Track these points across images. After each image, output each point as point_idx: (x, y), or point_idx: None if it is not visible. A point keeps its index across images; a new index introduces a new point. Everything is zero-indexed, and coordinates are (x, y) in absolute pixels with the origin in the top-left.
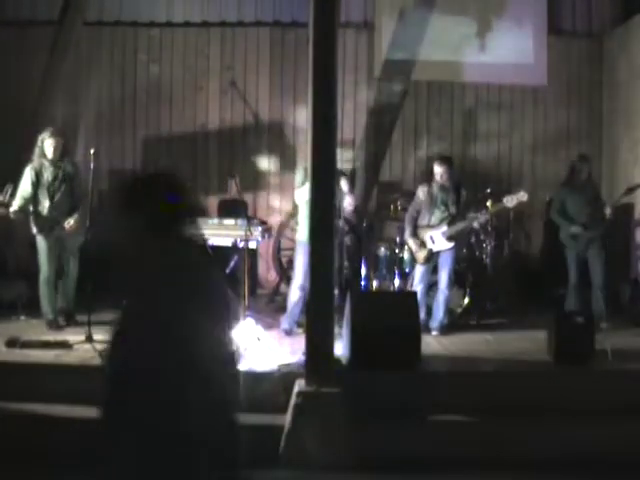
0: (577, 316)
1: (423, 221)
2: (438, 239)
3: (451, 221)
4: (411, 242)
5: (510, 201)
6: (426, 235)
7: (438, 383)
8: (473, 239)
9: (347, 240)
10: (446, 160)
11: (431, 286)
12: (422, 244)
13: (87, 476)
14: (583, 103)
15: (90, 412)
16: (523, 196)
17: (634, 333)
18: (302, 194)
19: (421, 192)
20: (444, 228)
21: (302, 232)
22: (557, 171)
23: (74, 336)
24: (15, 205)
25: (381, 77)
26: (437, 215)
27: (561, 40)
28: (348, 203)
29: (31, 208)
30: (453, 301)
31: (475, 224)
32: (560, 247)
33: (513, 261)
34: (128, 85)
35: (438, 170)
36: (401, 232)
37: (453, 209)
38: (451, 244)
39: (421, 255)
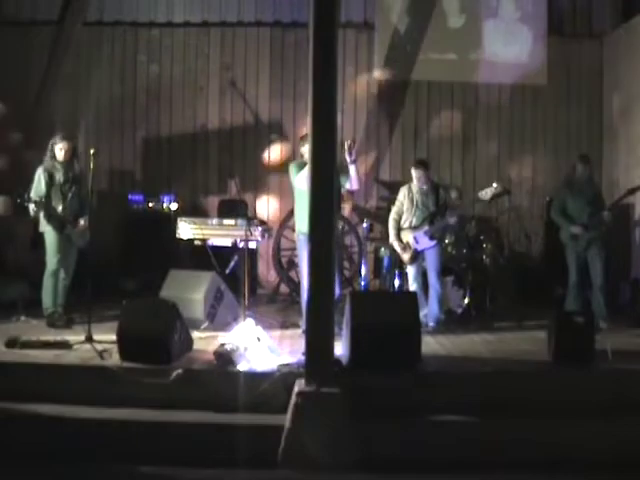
0: (577, 316)
1: (405, 223)
2: (421, 239)
3: (432, 220)
4: (396, 244)
5: (484, 195)
6: (409, 236)
7: (438, 383)
8: (472, 240)
9: (347, 240)
10: (422, 164)
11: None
12: (406, 245)
13: (87, 475)
14: (583, 103)
15: (90, 412)
16: (496, 188)
17: (634, 333)
18: (305, 177)
19: (401, 195)
20: (426, 227)
21: (305, 223)
22: (557, 171)
23: (74, 336)
24: (37, 205)
25: (381, 77)
26: (418, 216)
27: (561, 40)
28: (355, 181)
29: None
30: (453, 301)
31: (453, 220)
32: (560, 247)
33: (513, 261)
34: (128, 85)
35: (415, 174)
36: None
37: (433, 209)
38: (434, 242)
39: (406, 256)
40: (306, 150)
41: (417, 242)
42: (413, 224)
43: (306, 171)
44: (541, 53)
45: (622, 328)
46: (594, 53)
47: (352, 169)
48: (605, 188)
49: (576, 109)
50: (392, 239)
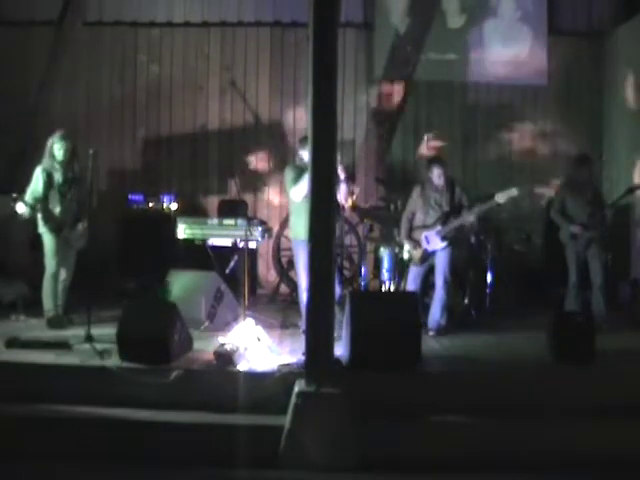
0: (577, 316)
1: (418, 222)
2: (432, 239)
3: (445, 220)
4: (406, 243)
5: (501, 197)
6: (421, 235)
7: (438, 383)
8: (473, 239)
9: (347, 240)
10: (441, 161)
11: (431, 286)
12: (417, 244)
13: (86, 475)
14: (583, 103)
15: (90, 412)
16: (513, 192)
17: (634, 333)
18: (301, 190)
19: (415, 194)
20: (438, 228)
21: (302, 230)
22: (557, 171)
23: (74, 336)
24: (27, 205)
25: (381, 77)
26: (432, 215)
27: (561, 40)
28: (343, 196)
29: (38, 207)
30: (453, 301)
31: (467, 222)
32: (560, 247)
33: (513, 261)
34: (128, 85)
35: (436, 171)
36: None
37: (447, 209)
38: (444, 243)
39: (417, 255)
40: (306, 154)
41: (428, 242)
42: (426, 223)
43: (303, 183)
44: (541, 53)
45: (622, 328)
46: (594, 53)
47: (342, 186)
48: (605, 188)
49: (576, 109)
50: (403, 237)
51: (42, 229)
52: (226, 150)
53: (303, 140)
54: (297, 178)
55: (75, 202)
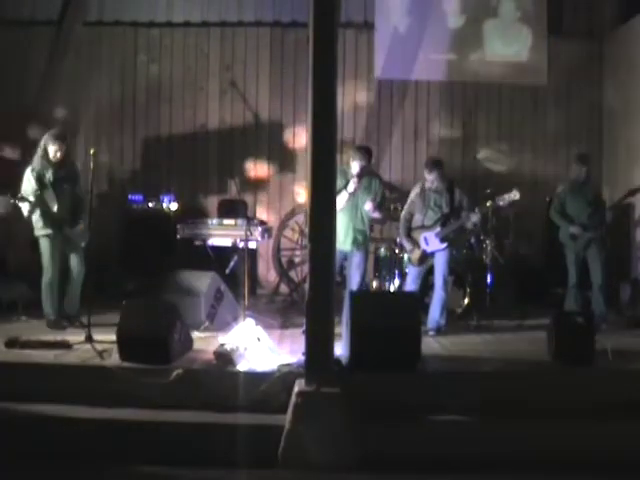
0: (577, 316)
1: (417, 223)
2: (431, 240)
3: (444, 222)
4: (405, 243)
5: (502, 200)
6: (420, 236)
7: (438, 383)
8: (473, 239)
9: None
10: (436, 164)
11: (431, 287)
12: (416, 245)
13: (87, 475)
14: (583, 103)
15: (90, 412)
16: (515, 195)
17: (634, 333)
18: (339, 200)
19: (414, 194)
20: (437, 229)
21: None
22: (557, 171)
23: (74, 336)
24: (28, 203)
25: (381, 77)
26: (430, 216)
27: (561, 40)
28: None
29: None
30: (453, 301)
31: (468, 224)
32: (560, 247)
33: (513, 261)
34: (128, 85)
35: (428, 177)
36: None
37: (447, 210)
38: (444, 245)
39: (415, 256)
40: (355, 164)
41: (427, 243)
42: (425, 224)
43: (343, 193)
44: (541, 53)
45: (622, 328)
46: (594, 53)
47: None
48: (605, 188)
49: (576, 109)
50: (401, 238)
51: (38, 233)
52: (226, 150)
53: (357, 150)
54: (339, 187)
55: (69, 200)
